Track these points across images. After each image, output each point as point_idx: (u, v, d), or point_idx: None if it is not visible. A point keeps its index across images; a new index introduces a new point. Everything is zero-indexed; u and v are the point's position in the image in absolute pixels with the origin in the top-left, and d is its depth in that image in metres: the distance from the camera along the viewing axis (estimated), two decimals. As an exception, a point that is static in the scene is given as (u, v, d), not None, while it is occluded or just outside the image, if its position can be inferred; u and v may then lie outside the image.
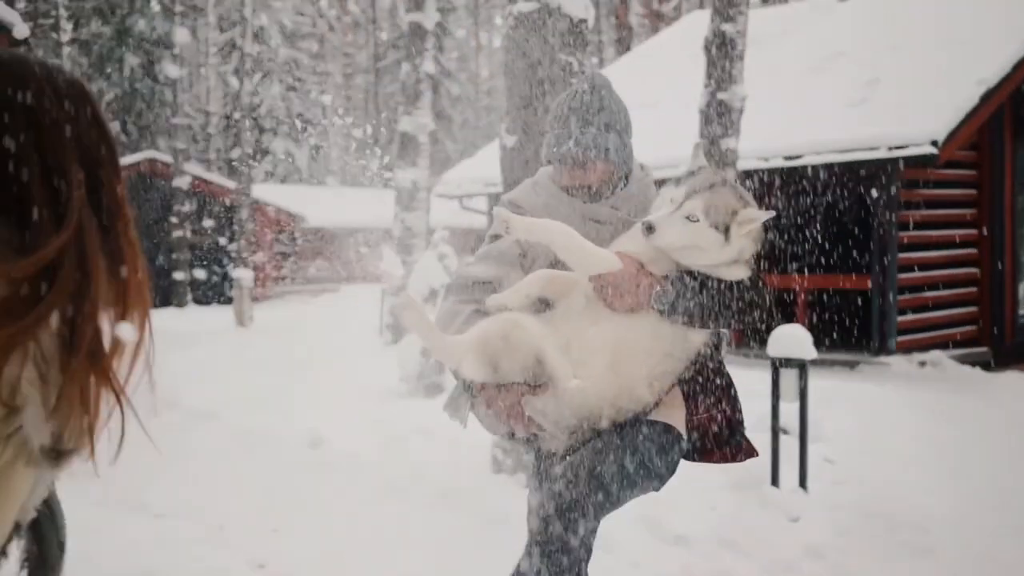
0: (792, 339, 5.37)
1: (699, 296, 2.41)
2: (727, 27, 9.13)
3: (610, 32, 34.03)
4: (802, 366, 5.39)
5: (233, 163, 20.91)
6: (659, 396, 2.48)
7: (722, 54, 9.16)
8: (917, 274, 11.16)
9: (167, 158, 22.97)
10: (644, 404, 2.47)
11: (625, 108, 2.79)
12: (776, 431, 5.45)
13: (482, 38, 43.73)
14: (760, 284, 2.48)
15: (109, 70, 36.07)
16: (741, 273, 2.46)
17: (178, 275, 22.37)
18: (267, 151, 35.53)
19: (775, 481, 5.45)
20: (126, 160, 24.07)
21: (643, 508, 5.14)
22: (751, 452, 2.69)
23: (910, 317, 11.13)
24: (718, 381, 2.61)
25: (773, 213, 2.40)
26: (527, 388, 2.45)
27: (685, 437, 2.57)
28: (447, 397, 2.69)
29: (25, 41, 11.60)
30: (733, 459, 2.67)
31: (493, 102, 40.52)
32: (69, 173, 1.08)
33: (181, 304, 22.36)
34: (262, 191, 26.23)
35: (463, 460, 6.24)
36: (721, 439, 2.63)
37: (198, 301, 22.84)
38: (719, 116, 9.17)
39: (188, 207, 22.27)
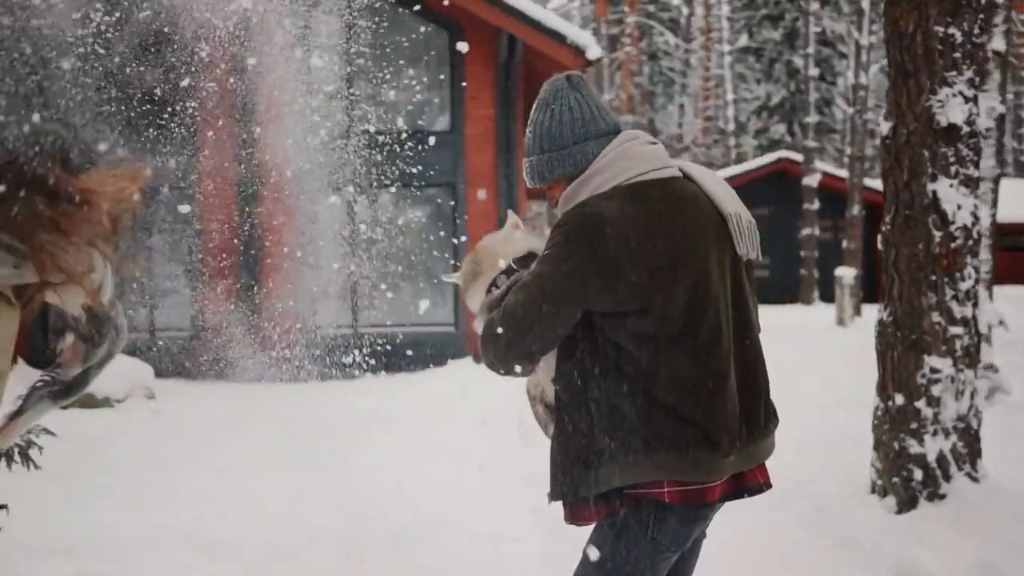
0: None
1: None
2: None
3: None
4: None
5: (854, 158, 20.49)
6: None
7: None
8: None
9: (798, 156, 23.24)
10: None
11: (570, 117, 2.26)
12: None
13: None
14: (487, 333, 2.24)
15: (777, 74, 37.56)
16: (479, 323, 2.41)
17: (803, 272, 22.65)
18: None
19: None
20: (761, 161, 24.93)
21: (904, 542, 4.32)
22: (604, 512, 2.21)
23: None
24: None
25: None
26: None
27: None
28: None
29: (598, 61, 13.01)
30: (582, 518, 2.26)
31: None
32: None
33: (807, 301, 22.59)
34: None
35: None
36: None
37: (826, 299, 22.83)
38: None
39: (817, 205, 22.33)
